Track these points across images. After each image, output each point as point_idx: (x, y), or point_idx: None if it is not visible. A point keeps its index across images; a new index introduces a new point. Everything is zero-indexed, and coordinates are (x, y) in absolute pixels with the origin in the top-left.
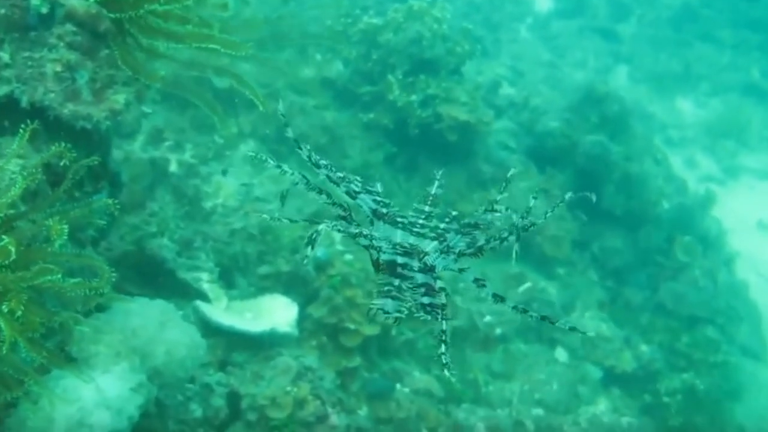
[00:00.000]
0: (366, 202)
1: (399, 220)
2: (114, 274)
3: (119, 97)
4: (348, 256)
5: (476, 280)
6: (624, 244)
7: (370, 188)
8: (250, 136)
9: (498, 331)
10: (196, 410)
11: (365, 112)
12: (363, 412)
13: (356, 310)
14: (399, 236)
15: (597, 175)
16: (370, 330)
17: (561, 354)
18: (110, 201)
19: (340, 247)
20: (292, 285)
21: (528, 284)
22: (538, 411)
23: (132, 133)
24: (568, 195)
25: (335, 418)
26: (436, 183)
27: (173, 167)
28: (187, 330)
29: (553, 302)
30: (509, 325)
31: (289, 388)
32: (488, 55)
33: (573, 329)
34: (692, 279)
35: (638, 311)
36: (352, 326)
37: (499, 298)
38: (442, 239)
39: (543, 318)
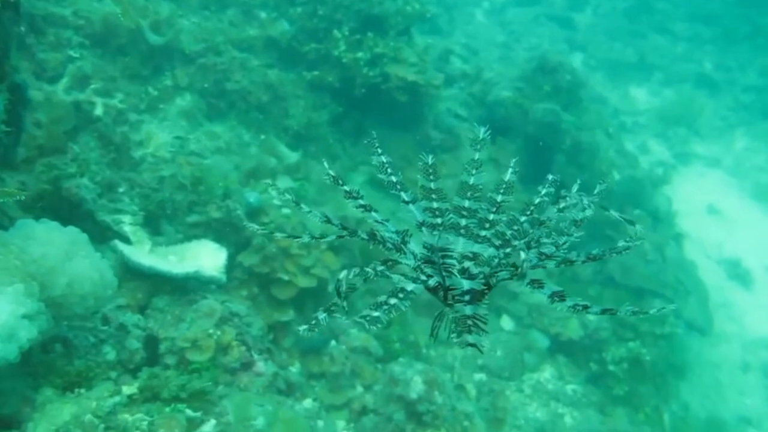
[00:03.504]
0: (417, 212)
1: (462, 224)
2: (24, 192)
3: None
4: (285, 210)
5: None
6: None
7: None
8: (186, 89)
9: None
10: (110, 352)
11: (310, 70)
12: (295, 368)
13: (290, 260)
14: (461, 245)
15: (547, 143)
16: (305, 282)
17: (507, 322)
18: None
19: (276, 201)
20: (223, 233)
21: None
22: (481, 376)
23: (55, 78)
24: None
25: (261, 366)
26: (510, 170)
27: (99, 111)
28: (98, 266)
29: None
30: None
31: (212, 331)
32: (442, 33)
33: (637, 313)
34: (641, 252)
35: (587, 284)
36: (285, 277)
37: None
38: (505, 245)
39: (605, 310)
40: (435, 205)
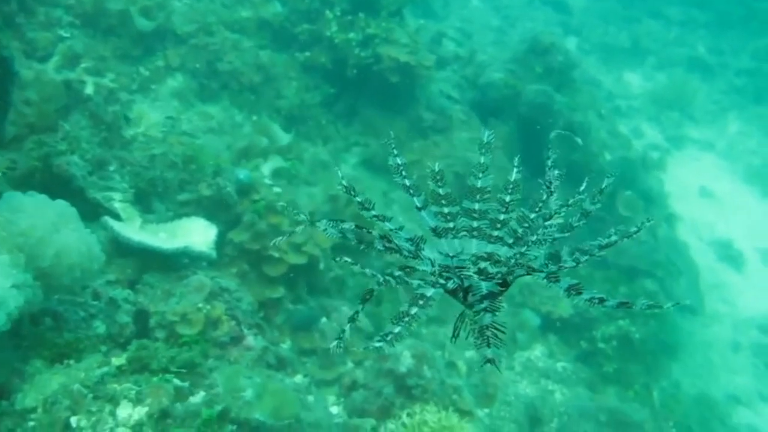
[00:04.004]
0: (429, 218)
1: (474, 226)
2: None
3: None
4: (276, 189)
5: (569, 288)
6: (566, 198)
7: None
8: (178, 69)
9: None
10: (99, 326)
11: (302, 51)
12: (286, 345)
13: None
14: (474, 246)
15: (539, 125)
16: (296, 259)
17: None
18: None
19: (268, 180)
20: (214, 211)
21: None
22: (472, 353)
23: (46, 57)
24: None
25: (251, 340)
26: (515, 169)
27: (90, 90)
28: (86, 239)
29: None
30: None
31: (201, 306)
32: (436, 17)
33: (653, 306)
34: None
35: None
36: (276, 254)
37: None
38: (521, 243)
39: (621, 304)
40: (446, 210)
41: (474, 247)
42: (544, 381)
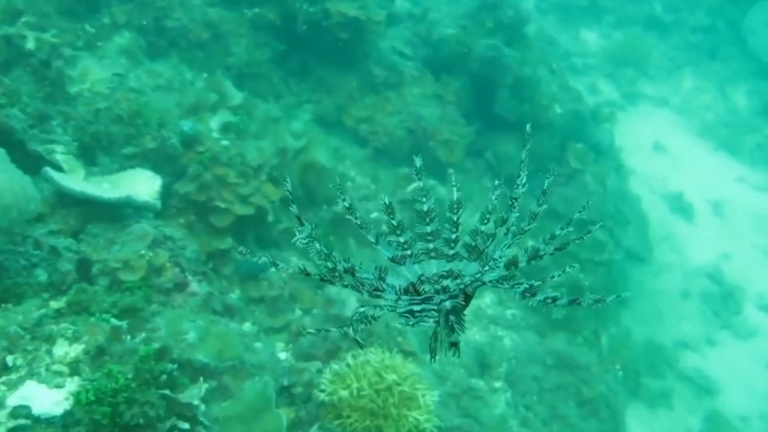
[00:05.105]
0: (386, 249)
1: (431, 248)
2: None
3: None
4: (224, 142)
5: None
6: (517, 151)
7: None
8: (125, 27)
9: (385, 227)
10: (41, 275)
11: (251, 8)
12: (235, 294)
13: (227, 189)
14: (434, 266)
15: (490, 79)
16: (243, 210)
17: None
18: None
19: (216, 135)
20: (159, 163)
21: (417, 183)
22: None
23: None
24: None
25: (195, 286)
26: (455, 187)
27: (31, 45)
28: (18, 180)
29: (442, 199)
30: None
31: (143, 252)
32: None
33: (599, 301)
34: (583, 184)
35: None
36: (222, 205)
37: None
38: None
39: (572, 301)
40: (402, 238)
41: (434, 267)
42: (494, 327)
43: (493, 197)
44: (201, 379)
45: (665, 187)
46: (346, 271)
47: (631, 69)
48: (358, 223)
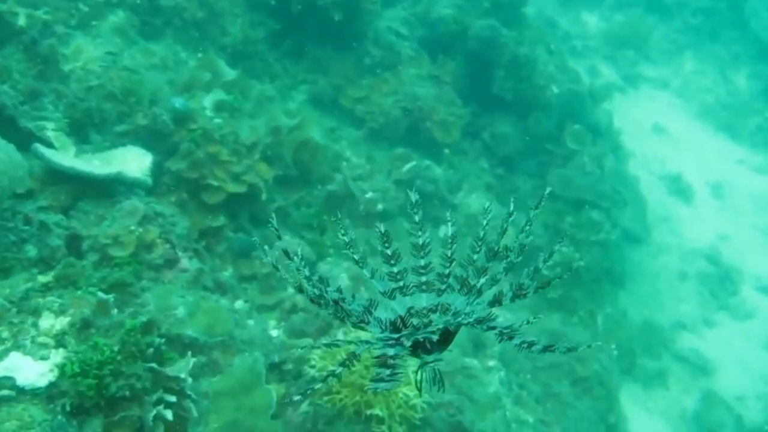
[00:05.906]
0: (379, 284)
1: (422, 281)
2: None
3: None
4: (217, 120)
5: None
6: (514, 131)
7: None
8: (118, 6)
9: (380, 206)
10: (31, 250)
11: None
12: (228, 272)
13: (220, 167)
14: (425, 300)
15: (487, 59)
16: (235, 188)
17: (445, 231)
18: None
19: (210, 113)
20: (151, 141)
21: (413, 163)
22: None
23: None
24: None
25: (186, 262)
26: (450, 223)
27: (22, 22)
28: (5, 148)
29: (437, 179)
30: (392, 202)
31: (133, 228)
32: None
33: (572, 349)
34: (580, 165)
35: (526, 197)
36: (215, 183)
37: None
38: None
39: (546, 348)
40: (395, 269)
41: (424, 301)
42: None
43: (485, 222)
44: (189, 353)
45: (664, 169)
46: (335, 302)
47: (632, 51)
48: (356, 258)
